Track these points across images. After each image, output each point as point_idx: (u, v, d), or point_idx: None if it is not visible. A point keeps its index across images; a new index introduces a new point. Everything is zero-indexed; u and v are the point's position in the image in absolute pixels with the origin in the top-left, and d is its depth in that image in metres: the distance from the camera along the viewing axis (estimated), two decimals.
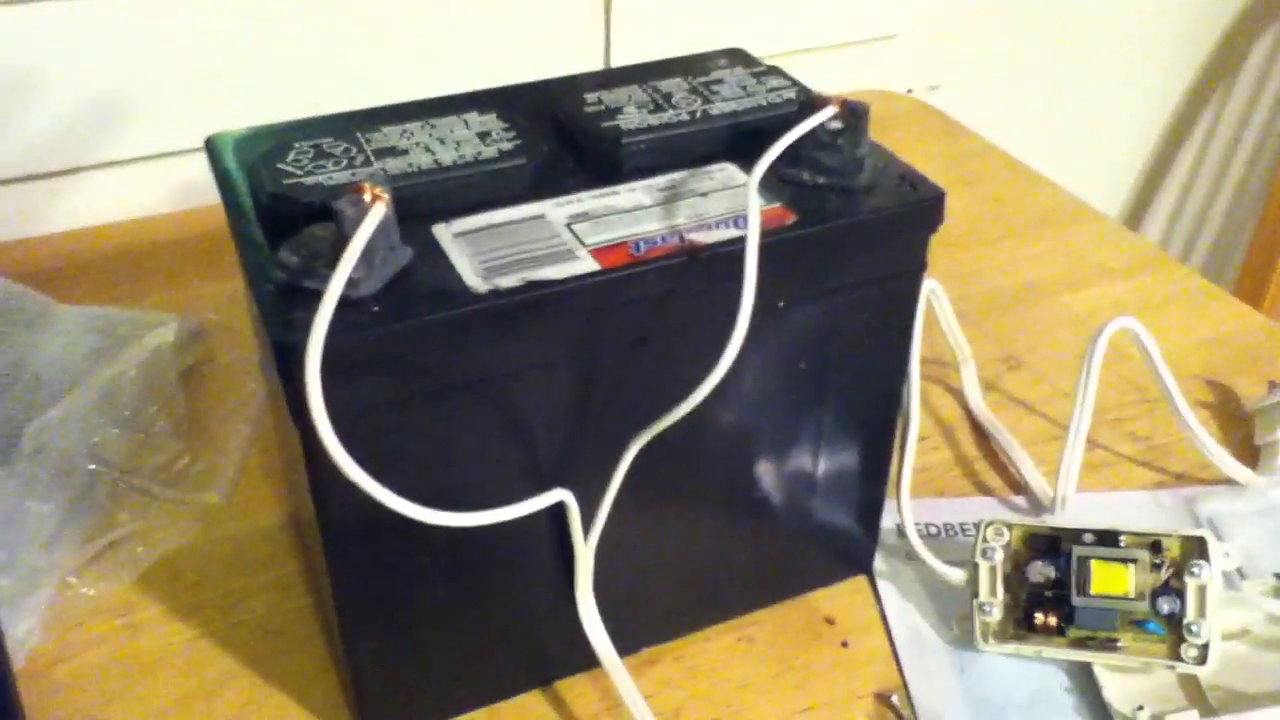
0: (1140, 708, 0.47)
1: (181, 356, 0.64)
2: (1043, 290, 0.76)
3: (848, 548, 0.54)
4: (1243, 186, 1.37)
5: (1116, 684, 0.48)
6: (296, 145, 0.44)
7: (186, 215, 0.82)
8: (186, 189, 0.82)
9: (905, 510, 0.56)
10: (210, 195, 0.45)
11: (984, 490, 0.60)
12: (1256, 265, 1.20)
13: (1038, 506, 0.59)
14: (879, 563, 0.55)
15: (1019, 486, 0.60)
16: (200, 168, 0.46)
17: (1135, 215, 1.36)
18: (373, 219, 0.37)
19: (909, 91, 1.08)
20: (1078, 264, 0.79)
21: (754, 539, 0.51)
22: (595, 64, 0.91)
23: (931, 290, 0.65)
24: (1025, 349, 0.70)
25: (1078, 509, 0.58)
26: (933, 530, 0.57)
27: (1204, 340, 0.71)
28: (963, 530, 0.57)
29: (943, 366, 0.68)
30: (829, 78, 0.47)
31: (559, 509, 0.44)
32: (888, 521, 0.55)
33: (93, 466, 0.54)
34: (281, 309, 0.38)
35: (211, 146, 0.47)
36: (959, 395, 0.66)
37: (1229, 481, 0.60)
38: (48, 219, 0.81)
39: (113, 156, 0.80)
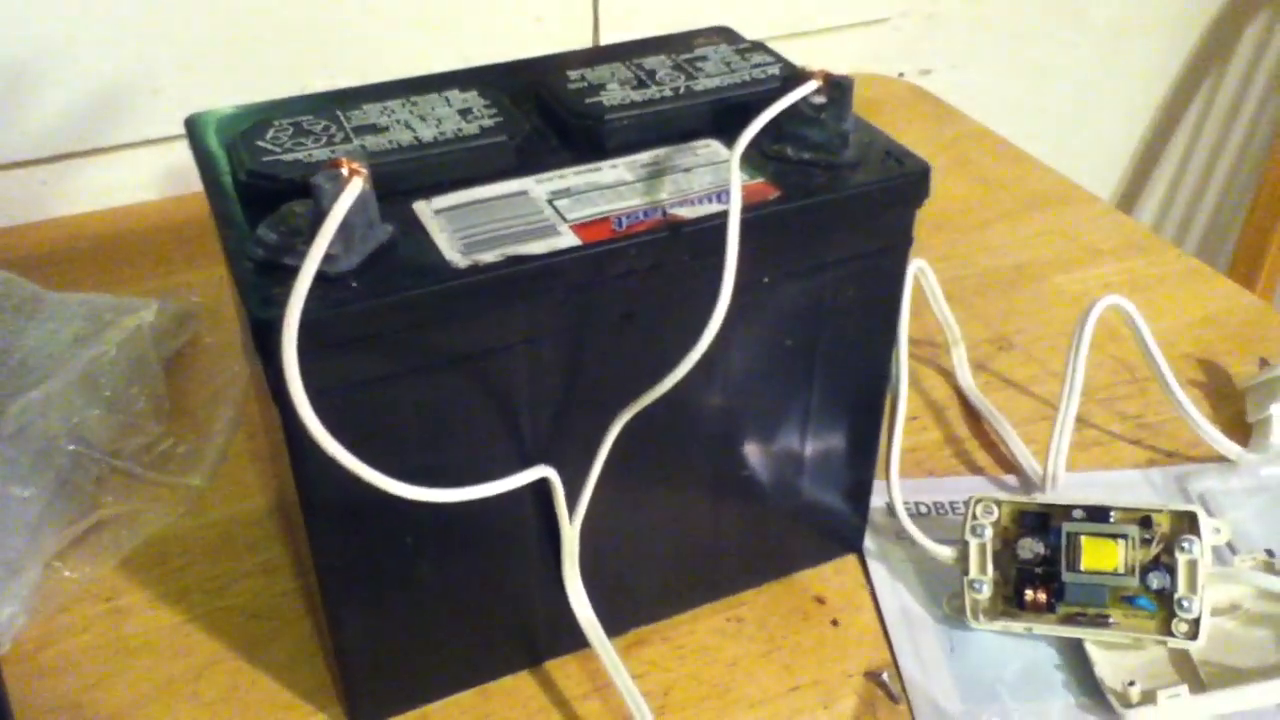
0: (1131, 683, 0.47)
1: (166, 341, 0.64)
2: (1034, 272, 0.76)
3: (837, 527, 0.54)
4: (1236, 169, 1.36)
5: (1107, 660, 0.48)
6: (276, 123, 0.44)
7: (174, 201, 0.82)
8: (174, 175, 0.82)
9: (895, 489, 0.56)
10: (198, 181, 0.44)
11: (974, 469, 0.60)
12: (1249, 247, 1.20)
13: (1028, 485, 0.58)
14: (869, 542, 0.55)
15: (1009, 465, 0.60)
16: (187, 154, 0.45)
17: (1129, 198, 1.35)
18: (350, 194, 0.37)
19: (900, 75, 1.08)
20: (1069, 246, 0.79)
21: (742, 518, 0.50)
22: (583, 46, 0.90)
23: (920, 270, 0.65)
24: (1016, 330, 0.70)
25: (1068, 487, 0.57)
26: (923, 509, 0.57)
27: (1195, 320, 0.71)
28: (952, 509, 0.57)
29: (933, 347, 0.68)
30: (819, 62, 0.46)
31: (545, 487, 0.44)
32: (877, 500, 0.55)
33: (74, 448, 0.54)
34: (260, 285, 0.37)
35: (192, 126, 0.46)
36: (949, 375, 0.66)
37: (1220, 459, 0.59)
38: (36, 207, 0.80)
39: (100, 144, 0.80)
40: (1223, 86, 1.30)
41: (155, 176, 0.82)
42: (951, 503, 0.57)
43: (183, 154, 0.46)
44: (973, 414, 0.63)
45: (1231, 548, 0.54)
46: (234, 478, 0.58)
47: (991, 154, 0.91)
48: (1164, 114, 1.30)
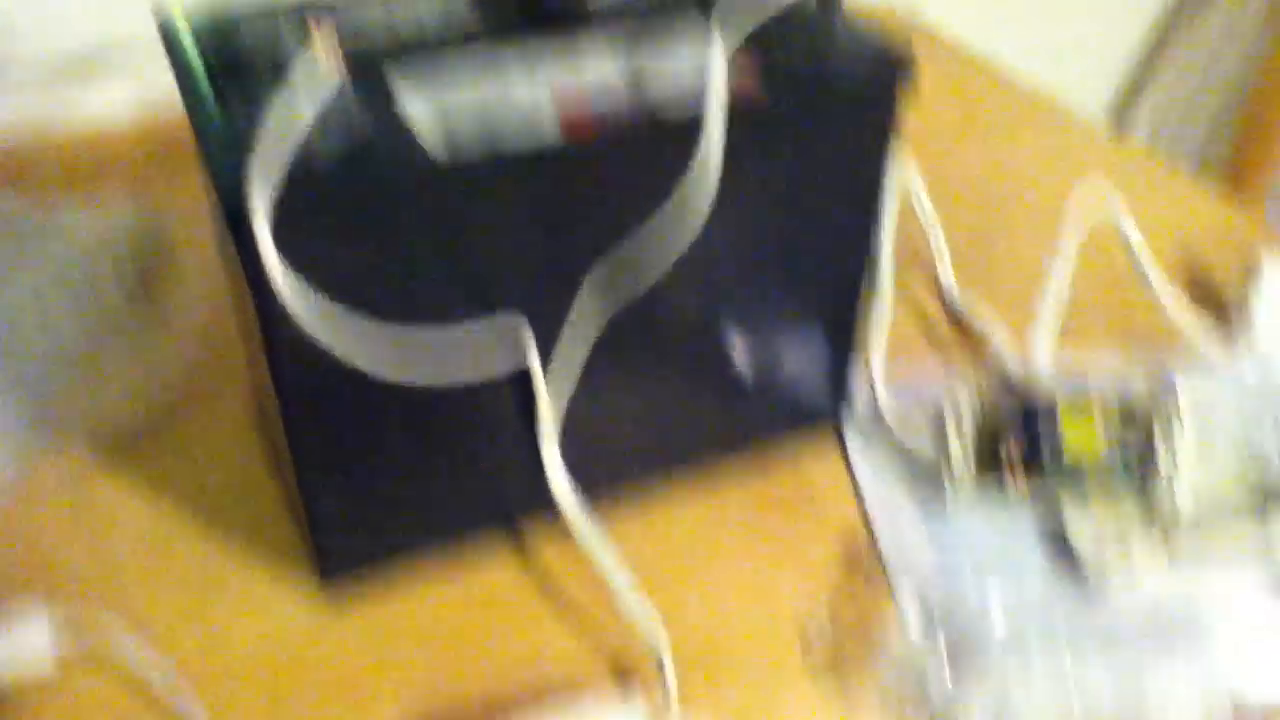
0: (1108, 558, 0.47)
1: (141, 253, 0.63)
2: (1021, 187, 0.75)
3: (818, 404, 0.54)
4: (1230, 85, 1.35)
5: (1086, 536, 0.48)
6: (252, 17, 0.44)
7: (149, 126, 0.81)
8: (150, 97, 0.81)
9: (878, 381, 0.56)
10: (175, 103, 0.43)
11: (956, 363, 0.60)
12: (1238, 162, 1.21)
13: (1010, 381, 0.58)
14: (850, 430, 0.55)
15: (991, 360, 0.60)
16: (163, 74, 0.44)
17: (1120, 116, 1.35)
18: (326, 78, 0.36)
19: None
20: (1059, 162, 0.78)
21: (722, 395, 0.51)
22: None
23: (906, 174, 0.65)
24: (1000, 237, 0.70)
25: (1050, 382, 0.57)
26: (904, 399, 0.56)
27: (1183, 231, 0.71)
28: (934, 399, 0.56)
29: (915, 252, 0.67)
30: None
31: (523, 367, 0.44)
32: (860, 391, 0.55)
33: (47, 346, 0.54)
34: (230, 164, 0.37)
35: (163, 18, 0.46)
36: (932, 276, 0.66)
37: (1204, 360, 0.59)
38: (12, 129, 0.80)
39: (76, 65, 0.79)
40: (1215, 5, 1.29)
41: (130, 97, 0.81)
42: (934, 395, 0.57)
43: (159, 75, 0.45)
44: (955, 315, 0.63)
45: (1211, 439, 0.54)
46: (205, 383, 0.58)
47: (980, 73, 0.90)
48: (1155, 33, 1.29)
